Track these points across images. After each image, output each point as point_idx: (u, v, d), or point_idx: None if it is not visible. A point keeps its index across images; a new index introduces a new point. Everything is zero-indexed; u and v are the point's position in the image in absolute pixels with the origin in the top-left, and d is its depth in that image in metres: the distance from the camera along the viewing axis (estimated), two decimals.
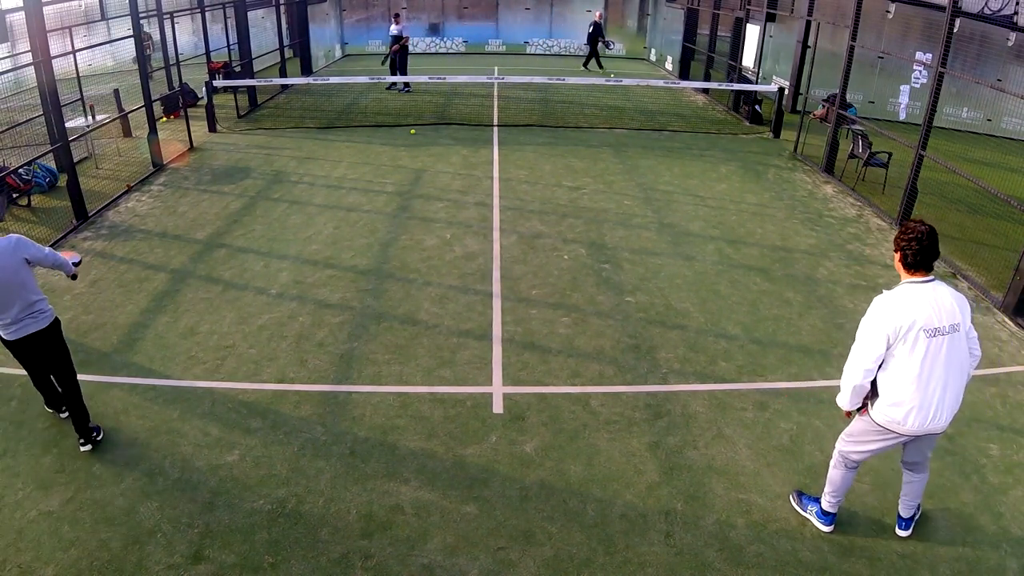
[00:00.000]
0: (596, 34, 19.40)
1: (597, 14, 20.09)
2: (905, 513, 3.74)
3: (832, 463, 3.69)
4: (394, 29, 14.82)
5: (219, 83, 12.57)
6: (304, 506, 3.86)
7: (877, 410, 3.35)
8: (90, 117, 10.69)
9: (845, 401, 3.47)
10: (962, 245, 7.57)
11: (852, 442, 3.55)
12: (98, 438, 4.30)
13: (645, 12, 22.90)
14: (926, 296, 3.21)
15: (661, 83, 16.26)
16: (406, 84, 15.23)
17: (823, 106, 13.02)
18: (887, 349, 3.25)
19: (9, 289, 3.88)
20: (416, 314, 5.92)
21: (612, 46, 20.74)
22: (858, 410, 3.50)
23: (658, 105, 15.01)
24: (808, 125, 11.31)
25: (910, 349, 3.20)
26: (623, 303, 6.17)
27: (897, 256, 3.33)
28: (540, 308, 6.05)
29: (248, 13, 14.20)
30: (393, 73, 15.10)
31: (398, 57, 14.93)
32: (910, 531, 3.75)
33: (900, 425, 3.29)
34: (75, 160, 7.96)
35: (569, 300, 6.20)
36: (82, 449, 4.21)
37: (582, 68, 19.55)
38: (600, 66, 19.51)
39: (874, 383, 3.35)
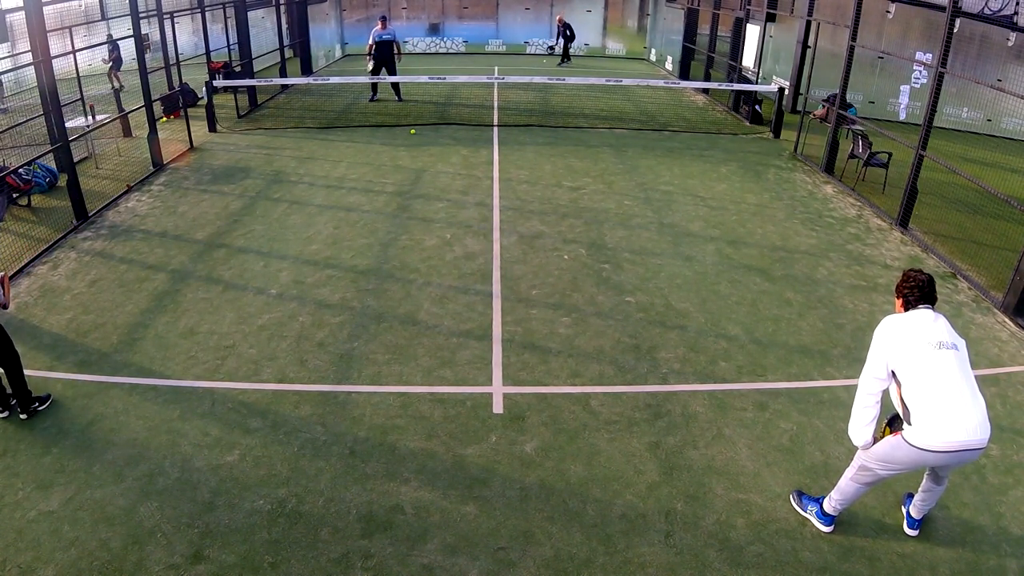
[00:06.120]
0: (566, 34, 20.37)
1: (559, 17, 20.86)
2: (917, 515, 3.74)
3: (850, 476, 3.59)
4: (385, 34, 13.99)
5: (219, 83, 12.57)
6: (304, 506, 3.86)
7: (912, 433, 3.22)
8: (90, 117, 10.69)
9: (855, 431, 3.46)
10: (962, 245, 7.57)
11: (884, 467, 3.42)
12: (40, 408, 4.61)
13: (645, 12, 22.90)
14: (927, 316, 3.38)
15: (661, 83, 16.27)
16: (395, 89, 14.52)
17: (823, 106, 13.02)
18: (896, 361, 3.28)
19: None
20: (416, 314, 5.92)
21: (553, 50, 21.17)
22: (889, 433, 3.44)
23: (658, 105, 15.01)
24: (808, 125, 11.31)
25: (921, 361, 3.24)
26: (623, 303, 6.17)
27: (899, 302, 3.51)
28: (540, 308, 6.06)
29: (248, 13, 14.19)
30: (376, 76, 14.39)
31: (389, 62, 14.24)
32: (918, 531, 3.75)
33: (938, 445, 3.17)
34: (75, 160, 7.95)
35: (569, 300, 6.20)
36: (21, 416, 4.55)
37: (558, 67, 20.00)
38: (566, 59, 20.46)
39: (905, 411, 3.29)
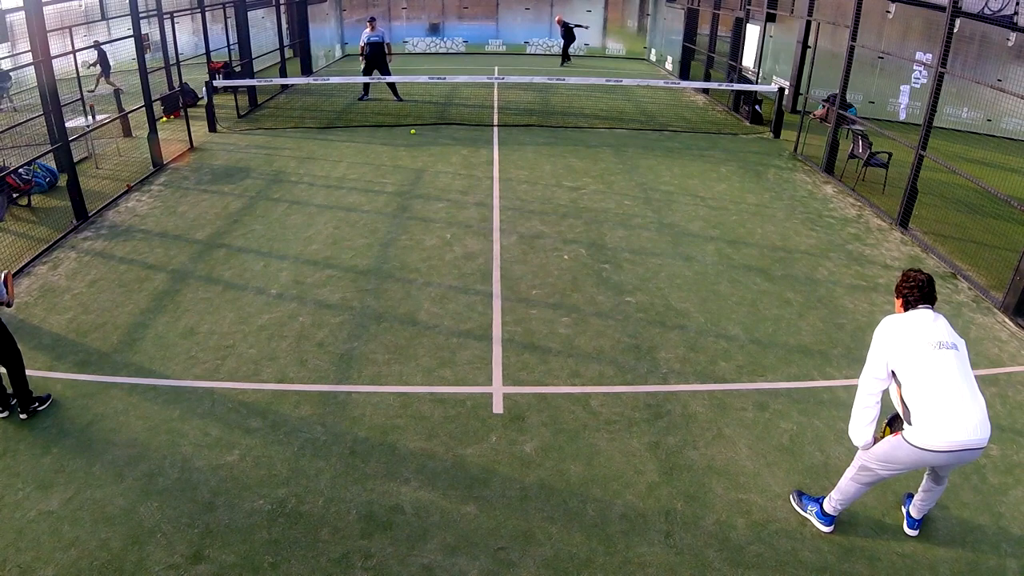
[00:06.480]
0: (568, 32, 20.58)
1: (559, 17, 21.04)
2: (917, 515, 3.74)
3: (850, 476, 3.59)
4: (374, 36, 14.03)
5: (219, 83, 12.57)
6: (304, 506, 3.87)
7: (913, 433, 3.22)
8: (90, 117, 10.70)
9: (856, 431, 3.46)
10: (962, 245, 7.57)
11: (884, 467, 3.42)
12: (40, 408, 4.60)
13: (645, 12, 22.91)
14: (927, 316, 3.38)
15: (661, 83, 16.27)
16: (392, 89, 14.57)
17: (823, 106, 13.02)
18: (896, 361, 3.28)
19: None
20: (416, 314, 5.92)
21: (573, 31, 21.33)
22: (890, 433, 3.44)
23: (658, 105, 15.02)
24: (808, 125, 11.31)
25: (921, 361, 3.24)
26: (623, 303, 6.17)
27: (899, 302, 3.51)
28: (540, 308, 6.06)
29: (248, 13, 14.19)
30: (368, 75, 14.50)
31: (381, 63, 14.30)
32: (918, 531, 3.76)
33: (938, 445, 3.17)
34: (75, 160, 7.95)
35: (569, 300, 6.20)
36: (21, 416, 4.54)
37: (561, 67, 20.10)
38: (567, 60, 20.70)
39: (905, 411, 3.29)
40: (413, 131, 12.06)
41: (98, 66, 13.79)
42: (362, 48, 14.25)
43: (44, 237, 7.31)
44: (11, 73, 12.44)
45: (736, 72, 14.31)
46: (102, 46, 12.47)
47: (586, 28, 21.74)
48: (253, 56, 14.35)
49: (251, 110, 13.61)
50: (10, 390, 4.55)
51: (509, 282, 6.50)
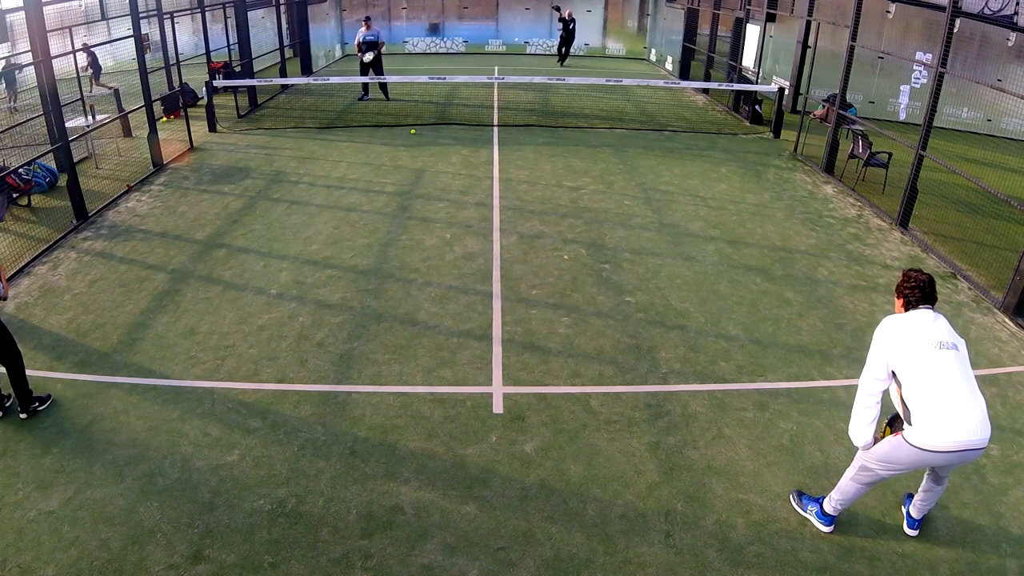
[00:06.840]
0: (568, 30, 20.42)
1: (567, 12, 20.66)
2: (917, 515, 3.74)
3: (851, 476, 3.59)
4: (369, 35, 14.14)
5: (219, 83, 12.57)
6: (304, 506, 3.87)
7: (913, 433, 3.22)
8: (90, 117, 10.69)
9: (856, 431, 3.46)
10: (962, 245, 7.57)
11: (885, 467, 3.42)
12: (40, 408, 4.59)
13: (645, 12, 22.91)
14: (927, 317, 3.38)
15: (661, 83, 16.27)
16: (383, 88, 14.70)
17: (823, 106, 13.02)
18: (896, 362, 3.28)
19: None
20: (416, 314, 5.92)
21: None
22: (890, 433, 3.44)
23: (658, 105, 15.02)
24: (808, 125, 11.31)
25: (921, 361, 3.24)
26: (623, 303, 6.17)
27: (900, 303, 3.50)
28: (540, 308, 6.06)
29: (248, 13, 14.19)
30: (364, 75, 14.60)
31: (376, 61, 14.37)
32: (918, 531, 3.76)
33: (939, 445, 3.17)
34: (75, 160, 7.95)
35: (569, 300, 6.20)
36: (21, 416, 4.53)
37: (559, 66, 20.12)
38: (564, 59, 20.65)
39: (906, 412, 3.28)
40: (413, 131, 12.06)
41: (90, 69, 13.75)
42: (359, 45, 14.35)
43: (44, 237, 7.32)
44: (16, 71, 12.41)
45: (736, 72, 14.31)
46: (91, 48, 12.43)
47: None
48: (253, 56, 14.35)
49: (251, 110, 13.61)
50: (8, 391, 4.55)
51: (509, 282, 6.50)
